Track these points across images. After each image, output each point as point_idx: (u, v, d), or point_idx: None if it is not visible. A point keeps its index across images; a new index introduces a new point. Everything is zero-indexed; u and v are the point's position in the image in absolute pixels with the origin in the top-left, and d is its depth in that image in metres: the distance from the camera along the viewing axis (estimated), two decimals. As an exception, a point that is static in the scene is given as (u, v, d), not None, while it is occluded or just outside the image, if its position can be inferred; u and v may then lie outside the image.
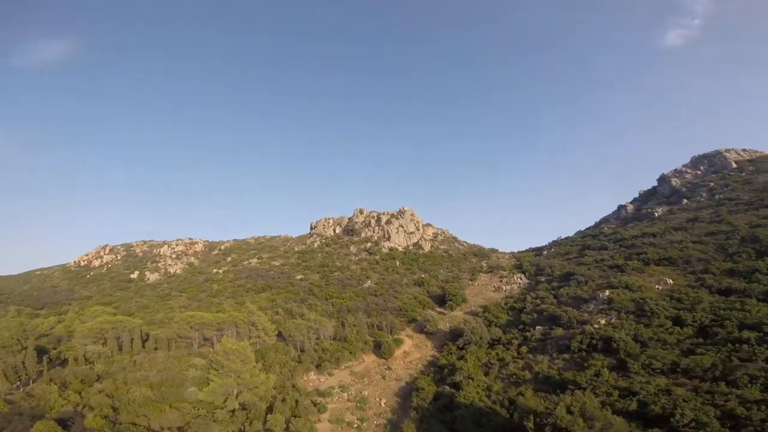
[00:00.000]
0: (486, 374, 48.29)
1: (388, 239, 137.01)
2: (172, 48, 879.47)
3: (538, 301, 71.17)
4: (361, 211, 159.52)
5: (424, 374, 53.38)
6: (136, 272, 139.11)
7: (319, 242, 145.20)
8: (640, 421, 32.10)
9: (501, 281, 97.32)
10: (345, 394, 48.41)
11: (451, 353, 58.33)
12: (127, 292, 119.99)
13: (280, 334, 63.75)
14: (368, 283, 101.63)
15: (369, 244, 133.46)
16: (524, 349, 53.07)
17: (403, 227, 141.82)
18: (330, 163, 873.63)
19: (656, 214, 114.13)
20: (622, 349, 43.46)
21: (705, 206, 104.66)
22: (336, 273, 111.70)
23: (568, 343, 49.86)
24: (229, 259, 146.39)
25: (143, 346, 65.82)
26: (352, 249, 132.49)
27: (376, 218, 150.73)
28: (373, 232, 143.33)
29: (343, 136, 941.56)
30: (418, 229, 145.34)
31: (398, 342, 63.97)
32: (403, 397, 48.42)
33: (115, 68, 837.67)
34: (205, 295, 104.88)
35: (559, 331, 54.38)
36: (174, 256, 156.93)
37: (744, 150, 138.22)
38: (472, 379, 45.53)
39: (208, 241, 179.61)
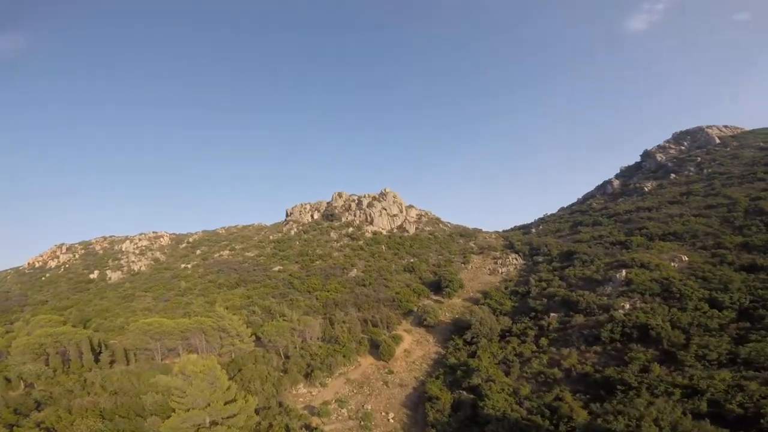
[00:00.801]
0: (507, 374, 41.65)
1: (371, 223, 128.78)
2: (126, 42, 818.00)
3: (544, 284, 65.38)
4: (340, 195, 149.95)
5: (432, 376, 46.15)
6: (96, 272, 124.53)
7: (296, 229, 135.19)
8: (716, 425, 26.33)
9: (496, 263, 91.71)
10: (344, 410, 40.30)
11: (459, 349, 51.40)
12: (87, 294, 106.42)
13: (258, 339, 54.65)
14: (354, 272, 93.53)
15: (351, 229, 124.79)
16: (543, 341, 46.73)
17: (386, 210, 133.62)
18: (305, 150, 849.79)
19: (646, 189, 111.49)
20: (664, 339, 37.77)
21: (695, 180, 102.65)
22: (317, 262, 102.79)
23: (595, 332, 43.97)
24: (198, 252, 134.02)
25: (96, 361, 55.61)
26: (333, 235, 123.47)
27: (356, 201, 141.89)
28: (354, 216, 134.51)
29: (314, 123, 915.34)
30: (402, 211, 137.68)
31: (397, 339, 56.29)
32: (412, 407, 41.07)
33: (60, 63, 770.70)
34: (172, 293, 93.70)
35: (579, 319, 48.37)
36: (137, 251, 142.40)
37: (725, 126, 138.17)
38: (494, 382, 38.79)
39: (174, 233, 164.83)
